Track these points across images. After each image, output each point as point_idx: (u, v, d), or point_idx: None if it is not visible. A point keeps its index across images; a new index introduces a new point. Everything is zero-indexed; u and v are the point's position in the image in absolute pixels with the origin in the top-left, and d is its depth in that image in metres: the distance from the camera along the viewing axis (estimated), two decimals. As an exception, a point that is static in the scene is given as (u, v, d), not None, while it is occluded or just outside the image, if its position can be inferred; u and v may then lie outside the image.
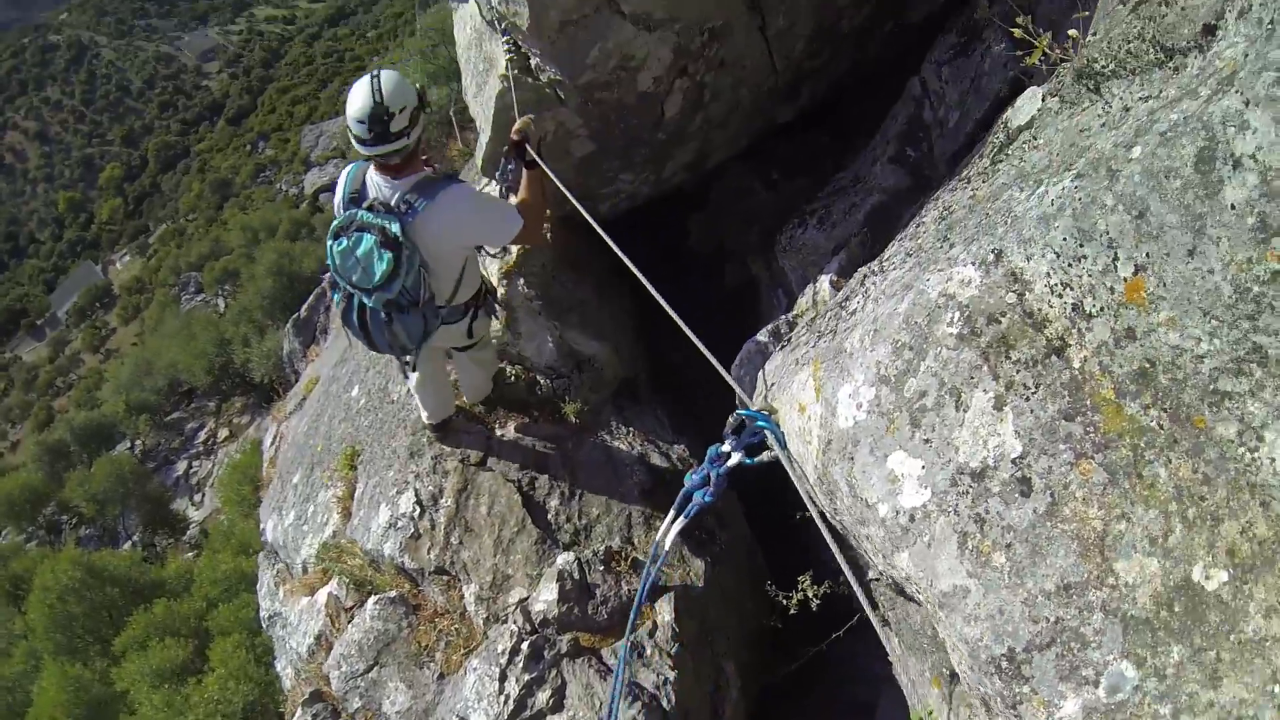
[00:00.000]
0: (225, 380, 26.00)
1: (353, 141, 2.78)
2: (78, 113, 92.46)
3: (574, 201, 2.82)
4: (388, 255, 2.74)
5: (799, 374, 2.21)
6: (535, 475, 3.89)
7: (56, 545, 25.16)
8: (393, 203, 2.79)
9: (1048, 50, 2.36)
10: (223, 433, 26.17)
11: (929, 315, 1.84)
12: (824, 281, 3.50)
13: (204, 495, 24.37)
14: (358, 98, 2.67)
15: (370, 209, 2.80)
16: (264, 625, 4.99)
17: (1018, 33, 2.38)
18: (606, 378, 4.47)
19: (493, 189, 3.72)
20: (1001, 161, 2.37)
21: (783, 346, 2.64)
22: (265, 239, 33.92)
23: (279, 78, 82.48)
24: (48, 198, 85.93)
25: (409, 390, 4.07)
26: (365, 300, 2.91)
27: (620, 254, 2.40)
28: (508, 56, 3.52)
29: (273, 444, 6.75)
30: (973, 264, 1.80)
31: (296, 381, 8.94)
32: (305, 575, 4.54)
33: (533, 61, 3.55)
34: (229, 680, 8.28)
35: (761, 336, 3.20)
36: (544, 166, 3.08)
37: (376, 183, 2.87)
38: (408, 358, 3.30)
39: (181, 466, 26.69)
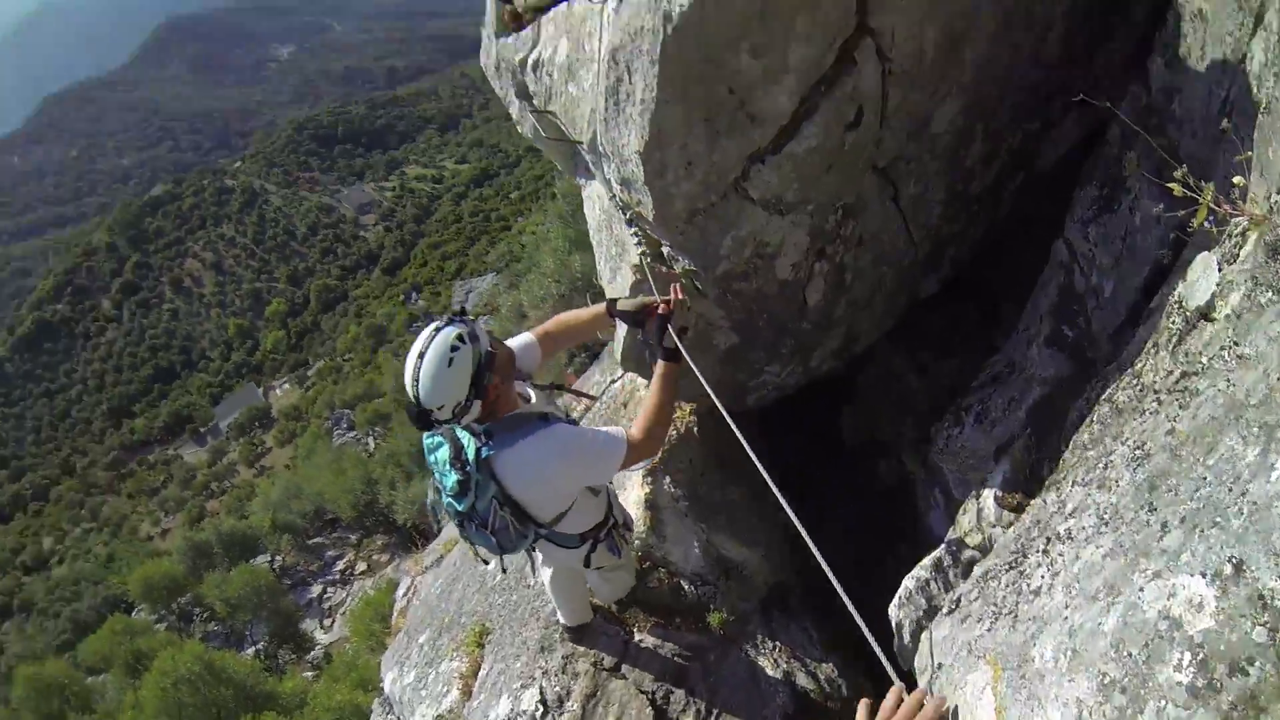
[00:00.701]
0: (369, 517, 27.00)
1: None
2: (249, 250, 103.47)
3: (716, 401, 2.57)
4: (455, 476, 2.52)
5: (974, 673, 1.81)
6: (671, 689, 3.65)
7: (184, 633, 26.28)
8: (474, 429, 2.55)
9: (1213, 206, 1.96)
10: (360, 566, 26.96)
11: (1147, 647, 1.40)
12: (988, 498, 3.13)
13: (334, 621, 24.97)
14: (405, 379, 2.48)
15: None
16: (369, 771, 4.86)
17: (1176, 188, 1.99)
18: (755, 585, 4.25)
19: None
20: (1196, 375, 1.89)
21: (951, 611, 2.22)
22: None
23: (429, 232, 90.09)
24: (219, 321, 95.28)
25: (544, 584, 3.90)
26: (443, 499, 2.69)
27: (761, 468, 2.12)
28: (639, 250, 3.33)
29: (405, 595, 6.78)
30: (1202, 573, 1.38)
31: (438, 533, 9.08)
32: (418, 746, 4.41)
33: (665, 250, 3.40)
34: (326, 813, 8.17)
35: (922, 572, 2.88)
36: (686, 356, 2.77)
37: None
38: (489, 559, 2.99)
39: (316, 590, 27.52)
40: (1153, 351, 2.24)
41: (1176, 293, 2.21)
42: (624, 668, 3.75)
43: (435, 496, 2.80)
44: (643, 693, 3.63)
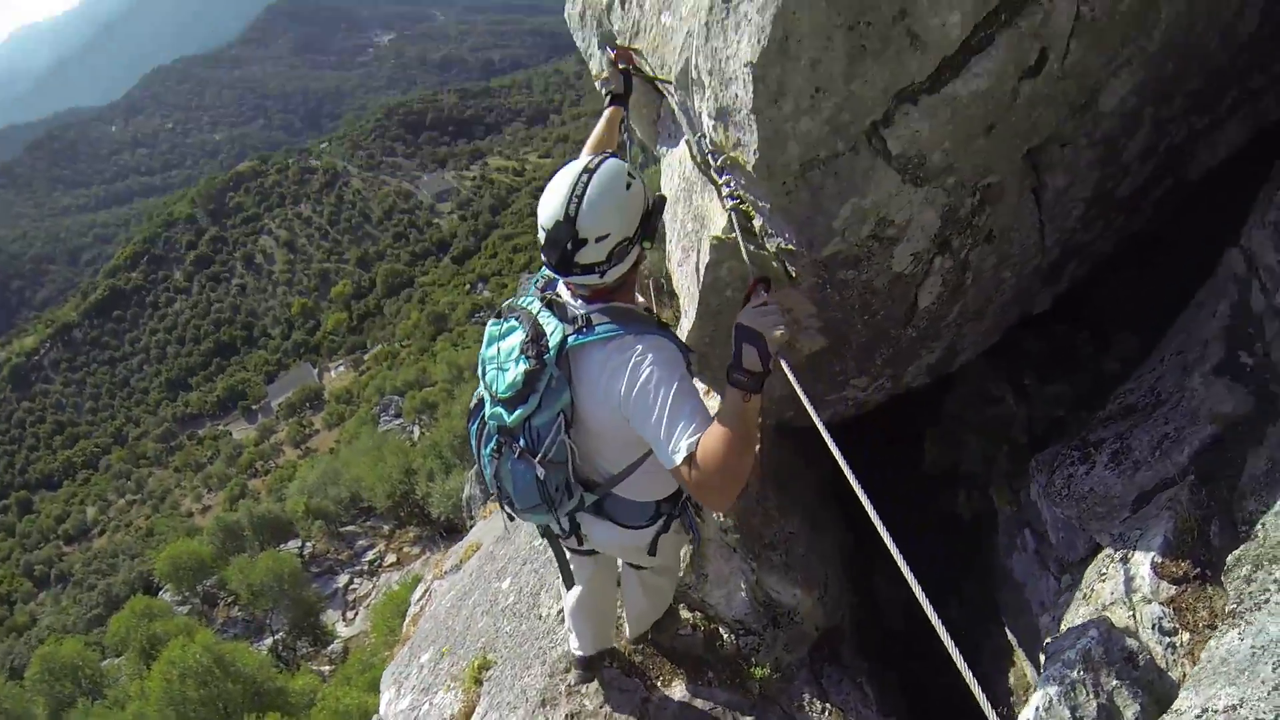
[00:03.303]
0: (404, 508, 26.67)
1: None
2: (323, 230, 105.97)
3: (810, 411, 1.83)
4: (524, 363, 1.95)
5: None
6: (698, 765, 2.94)
7: (206, 618, 26.14)
8: (570, 312, 2.00)
9: None
10: (390, 558, 26.68)
11: None
12: (1142, 563, 2.31)
13: (357, 614, 24.64)
14: (551, 200, 1.93)
15: (548, 303, 2.05)
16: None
17: None
18: (805, 631, 3.56)
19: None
20: None
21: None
22: (469, 378, 35.58)
23: (504, 224, 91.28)
24: (284, 300, 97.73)
25: (562, 610, 3.19)
26: (486, 410, 2.12)
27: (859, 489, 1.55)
28: (730, 205, 2.45)
29: (420, 600, 6.29)
30: None
31: (471, 529, 8.61)
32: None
33: (756, 221, 2.62)
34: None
35: (1068, 671, 2.12)
36: (791, 376, 1.95)
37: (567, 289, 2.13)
38: (511, 519, 2.37)
39: (343, 580, 27.29)
40: None
41: None
42: (640, 733, 3.03)
43: (474, 404, 2.26)
44: (662, 770, 2.92)
